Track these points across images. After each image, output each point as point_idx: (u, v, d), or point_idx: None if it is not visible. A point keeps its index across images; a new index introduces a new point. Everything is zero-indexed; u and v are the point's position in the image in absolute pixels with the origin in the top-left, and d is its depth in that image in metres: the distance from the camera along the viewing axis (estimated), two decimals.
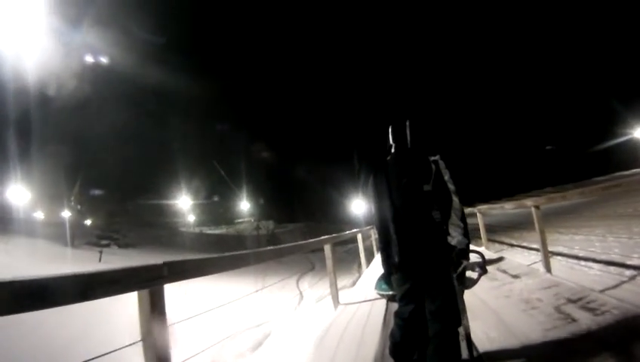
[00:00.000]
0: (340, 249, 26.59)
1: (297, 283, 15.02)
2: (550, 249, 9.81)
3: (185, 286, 3.40)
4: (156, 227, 42.51)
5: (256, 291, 9.88)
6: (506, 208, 9.90)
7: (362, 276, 9.66)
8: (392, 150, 3.04)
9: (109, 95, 47.54)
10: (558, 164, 77.48)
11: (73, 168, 34.92)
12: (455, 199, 2.73)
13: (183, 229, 53.44)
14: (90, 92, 42.86)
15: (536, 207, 6.32)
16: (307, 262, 22.36)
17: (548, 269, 5.96)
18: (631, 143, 43.89)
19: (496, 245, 13.32)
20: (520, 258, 9.71)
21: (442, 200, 2.71)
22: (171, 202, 52.40)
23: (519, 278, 5.71)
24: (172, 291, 2.37)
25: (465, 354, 2.69)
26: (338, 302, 6.05)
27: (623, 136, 45.59)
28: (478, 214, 11.12)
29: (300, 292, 12.68)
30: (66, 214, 30.85)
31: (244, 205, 57.27)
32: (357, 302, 5.97)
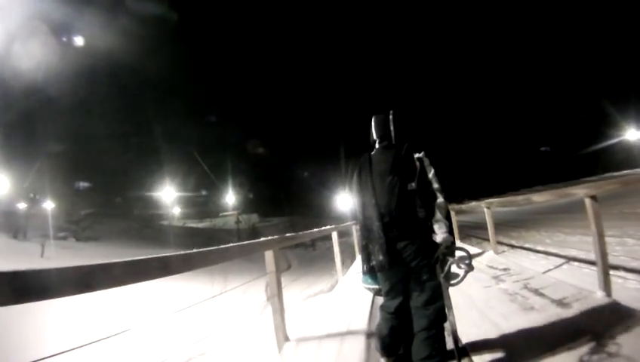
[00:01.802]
0: (323, 245, 25.22)
1: (267, 285, 12.91)
2: (563, 253, 8.43)
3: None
4: (131, 219, 40.92)
5: (214, 296, 8.21)
6: (535, 200, 8.03)
7: (338, 285, 7.78)
8: (376, 145, 3.03)
9: (98, 87, 46.42)
10: (551, 165, 77.26)
11: (57, 159, 35.48)
12: (440, 197, 2.69)
13: (165, 222, 52.51)
14: (78, 84, 42.10)
15: (593, 198, 4.15)
16: (283, 260, 20.50)
17: (608, 291, 3.91)
18: (621, 145, 44.78)
19: (496, 246, 11.66)
20: (527, 262, 8.15)
21: (427, 198, 2.69)
22: (157, 194, 51.47)
23: (570, 307, 3.68)
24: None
25: (452, 352, 2.57)
26: (286, 339, 4.04)
27: (614, 138, 46.48)
28: (486, 210, 9.18)
29: (268, 298, 10.87)
30: (49, 205, 30.03)
31: (230, 198, 56.43)
32: (317, 337, 4.08)
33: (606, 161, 52.75)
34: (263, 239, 4.25)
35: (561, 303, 3.86)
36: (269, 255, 4.21)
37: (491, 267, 6.73)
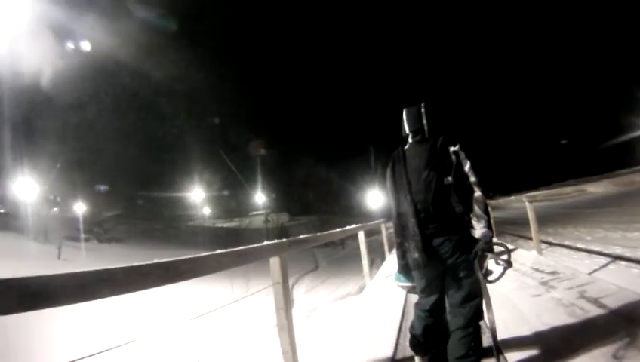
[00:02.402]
0: (352, 244, 24.19)
1: (292, 286, 12.44)
2: (606, 251, 7.95)
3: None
4: (156, 220, 40.89)
5: (235, 301, 7.72)
6: (590, 191, 7.32)
7: (366, 288, 7.24)
8: (409, 139, 2.93)
9: (116, 88, 46.69)
10: (573, 159, 75.75)
11: (84, 162, 36.34)
12: (477, 190, 2.60)
13: (192, 223, 53.08)
14: (96, 85, 42.50)
15: None
16: (311, 259, 19.97)
17: None
18: None
19: (539, 245, 10.84)
20: (570, 262, 7.44)
21: (464, 192, 2.58)
22: (183, 195, 52.58)
23: None
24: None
25: (490, 350, 2.59)
26: None
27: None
28: (527, 205, 8.41)
29: (292, 300, 10.29)
30: (80, 208, 30.59)
31: (260, 197, 57.33)
32: None
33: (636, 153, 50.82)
34: (266, 243, 3.33)
35: (632, 320, 3.19)
36: (274, 263, 3.32)
37: (537, 270, 6.04)
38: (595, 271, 6.41)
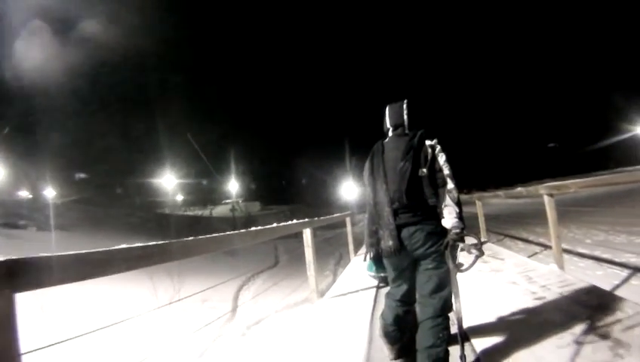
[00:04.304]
0: (321, 235, 22.32)
1: (240, 288, 10.47)
2: (618, 259, 6.93)
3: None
4: (118, 207, 39.83)
5: (159, 307, 5.78)
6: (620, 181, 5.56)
7: (318, 305, 5.11)
8: (390, 133, 3.00)
9: (92, 74, 46.15)
10: (559, 161, 76.77)
11: (56, 147, 35.79)
12: (450, 183, 2.65)
13: (161, 210, 53.04)
14: (69, 73, 42.20)
15: None
16: (272, 253, 18.06)
17: None
18: (634, 140, 44.45)
19: (562, 256, 9.11)
20: (578, 272, 6.01)
21: (437, 184, 2.66)
22: (157, 181, 51.59)
23: None
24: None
25: (456, 339, 2.56)
26: None
27: (625, 133, 46.23)
28: (546, 200, 5.81)
29: (234, 308, 8.31)
30: (50, 193, 31.47)
31: (233, 186, 57.29)
32: None
33: (617, 157, 51.53)
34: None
35: None
36: None
37: (572, 300, 3.80)
38: (616, 287, 5.18)
